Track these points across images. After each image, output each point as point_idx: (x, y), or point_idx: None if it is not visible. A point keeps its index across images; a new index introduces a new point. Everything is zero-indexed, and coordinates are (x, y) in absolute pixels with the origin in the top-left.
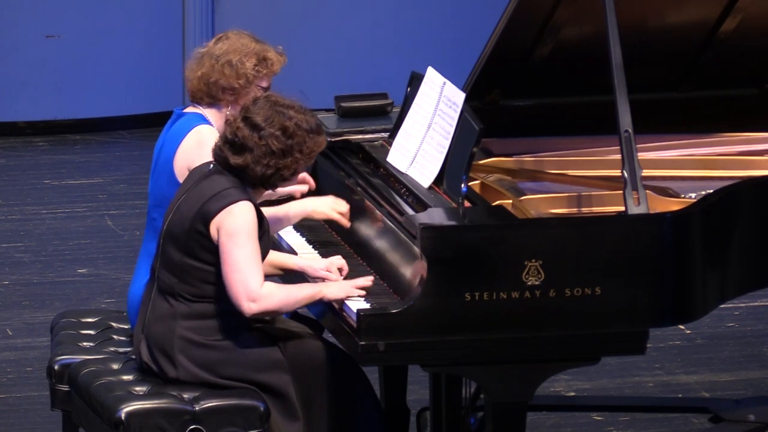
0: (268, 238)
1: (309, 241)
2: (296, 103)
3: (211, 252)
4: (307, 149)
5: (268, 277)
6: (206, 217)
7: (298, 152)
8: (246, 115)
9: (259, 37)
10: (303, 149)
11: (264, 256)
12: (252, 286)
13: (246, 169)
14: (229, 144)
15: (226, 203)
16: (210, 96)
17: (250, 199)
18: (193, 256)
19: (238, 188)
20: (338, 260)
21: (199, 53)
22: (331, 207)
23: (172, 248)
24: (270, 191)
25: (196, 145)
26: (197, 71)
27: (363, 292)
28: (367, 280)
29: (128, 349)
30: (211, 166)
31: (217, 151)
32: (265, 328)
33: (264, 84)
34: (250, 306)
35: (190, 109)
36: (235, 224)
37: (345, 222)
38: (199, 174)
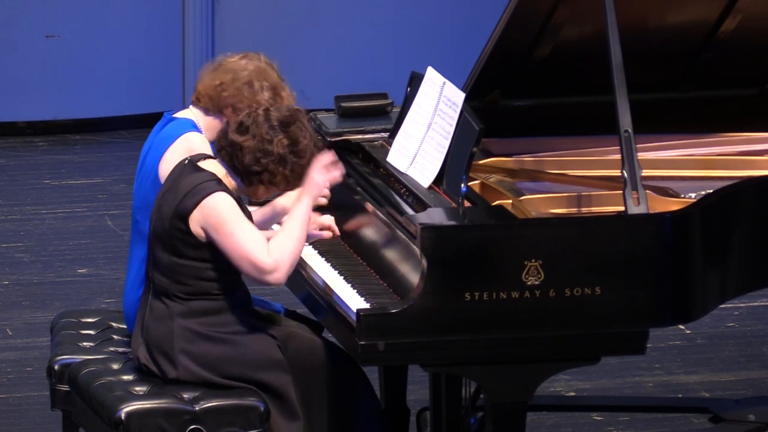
0: (251, 220)
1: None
2: (317, 137)
3: (196, 248)
4: (297, 174)
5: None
6: (183, 215)
7: (290, 171)
8: (268, 110)
9: (279, 68)
10: (296, 171)
11: None
12: (264, 261)
13: (240, 149)
14: (238, 123)
15: (199, 198)
16: (215, 106)
17: (224, 190)
18: (180, 255)
19: (213, 180)
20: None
21: (222, 60)
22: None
23: (159, 250)
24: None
25: (185, 151)
26: (215, 79)
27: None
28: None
29: (128, 349)
30: (186, 161)
31: (221, 132)
32: (265, 327)
33: None
34: (275, 277)
35: (181, 114)
36: (217, 217)
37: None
38: (175, 173)
